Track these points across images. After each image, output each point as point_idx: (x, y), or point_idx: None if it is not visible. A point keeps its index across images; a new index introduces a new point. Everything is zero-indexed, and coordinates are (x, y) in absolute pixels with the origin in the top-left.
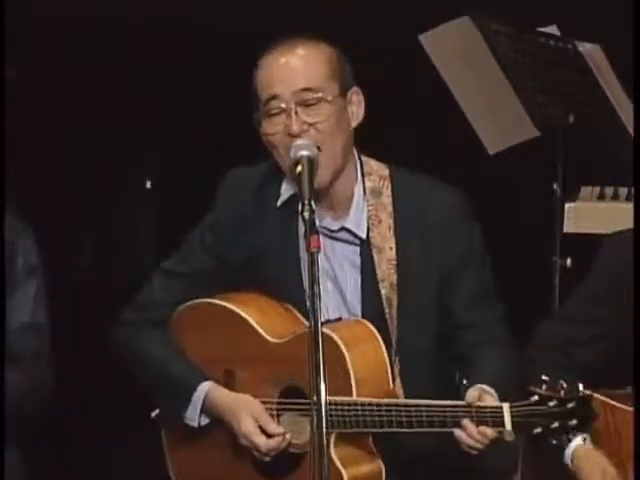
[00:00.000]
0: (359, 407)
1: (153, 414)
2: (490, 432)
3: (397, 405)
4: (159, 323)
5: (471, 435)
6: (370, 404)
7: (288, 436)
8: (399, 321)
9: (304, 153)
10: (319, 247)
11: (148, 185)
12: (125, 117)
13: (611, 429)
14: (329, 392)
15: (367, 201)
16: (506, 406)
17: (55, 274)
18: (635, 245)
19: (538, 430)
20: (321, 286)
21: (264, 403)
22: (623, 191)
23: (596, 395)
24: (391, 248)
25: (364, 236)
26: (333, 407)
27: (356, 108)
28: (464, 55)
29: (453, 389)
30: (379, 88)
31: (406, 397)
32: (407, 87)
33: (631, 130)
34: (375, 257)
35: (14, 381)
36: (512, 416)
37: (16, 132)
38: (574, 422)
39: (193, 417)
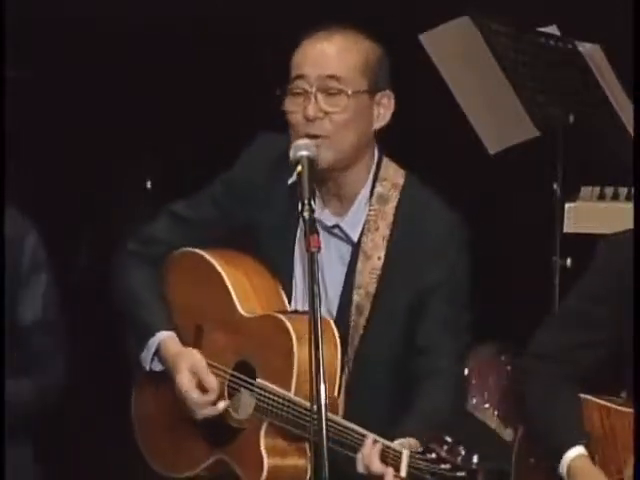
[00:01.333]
0: (290, 404)
1: None
2: (379, 468)
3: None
4: (154, 260)
5: (364, 457)
6: (295, 405)
7: (222, 404)
8: (365, 331)
9: (304, 153)
10: (319, 247)
11: (148, 185)
12: (125, 117)
13: (608, 434)
14: (271, 378)
15: (371, 205)
16: (406, 453)
17: (55, 274)
18: (635, 245)
19: None
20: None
21: (217, 370)
22: (623, 191)
23: (593, 399)
24: (379, 258)
25: (355, 240)
26: (270, 395)
27: (383, 111)
28: (464, 55)
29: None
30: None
31: (347, 410)
32: (407, 87)
33: (631, 130)
34: (359, 263)
35: (28, 382)
36: (409, 465)
37: (16, 132)
38: None
39: (146, 360)
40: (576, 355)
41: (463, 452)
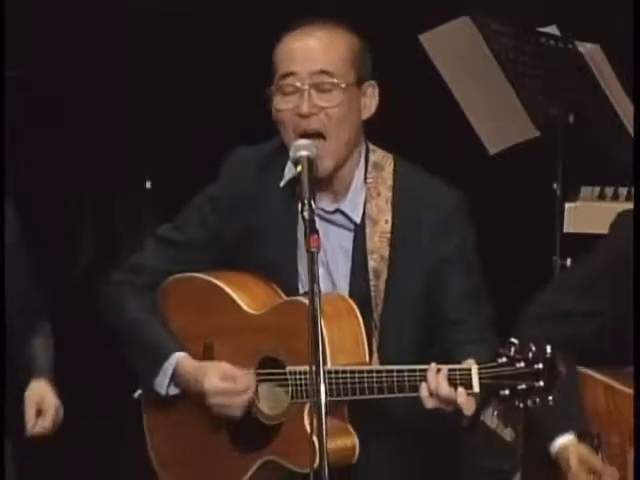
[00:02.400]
0: (332, 375)
1: (136, 394)
2: (448, 392)
3: (369, 371)
4: (145, 288)
5: (430, 385)
6: (343, 371)
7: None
8: (385, 294)
9: (304, 153)
10: (319, 247)
11: (148, 185)
12: (125, 117)
13: (612, 411)
14: (301, 361)
15: (368, 173)
16: (475, 367)
17: (55, 273)
18: (635, 245)
19: (505, 392)
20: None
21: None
22: (623, 191)
23: (597, 376)
24: (387, 221)
25: (358, 220)
26: (305, 378)
27: (369, 101)
28: (464, 55)
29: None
30: (379, 87)
31: None
32: (407, 87)
33: (631, 130)
34: (368, 230)
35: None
36: (480, 378)
37: (15, 132)
38: (540, 384)
39: (162, 385)
40: (574, 322)
41: (534, 347)
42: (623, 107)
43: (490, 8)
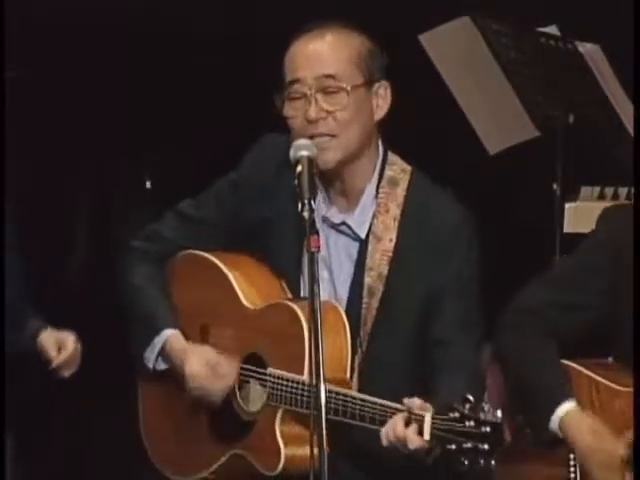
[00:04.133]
0: (305, 387)
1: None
2: (401, 432)
3: (336, 393)
4: (158, 258)
5: (391, 432)
6: (309, 387)
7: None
8: (377, 312)
9: (304, 153)
10: (319, 247)
11: (148, 185)
12: (125, 117)
13: (597, 408)
14: (282, 366)
15: (381, 188)
16: (428, 416)
17: (54, 273)
18: (635, 244)
19: (452, 447)
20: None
21: None
22: (623, 191)
23: (582, 370)
24: (390, 240)
25: (363, 236)
26: (283, 382)
27: (381, 102)
28: (464, 55)
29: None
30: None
31: (361, 389)
32: (407, 87)
33: (631, 130)
34: (370, 246)
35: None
36: (432, 427)
37: (16, 131)
38: (485, 446)
39: (149, 359)
40: (559, 315)
41: (487, 408)
42: (623, 107)
43: (490, 8)
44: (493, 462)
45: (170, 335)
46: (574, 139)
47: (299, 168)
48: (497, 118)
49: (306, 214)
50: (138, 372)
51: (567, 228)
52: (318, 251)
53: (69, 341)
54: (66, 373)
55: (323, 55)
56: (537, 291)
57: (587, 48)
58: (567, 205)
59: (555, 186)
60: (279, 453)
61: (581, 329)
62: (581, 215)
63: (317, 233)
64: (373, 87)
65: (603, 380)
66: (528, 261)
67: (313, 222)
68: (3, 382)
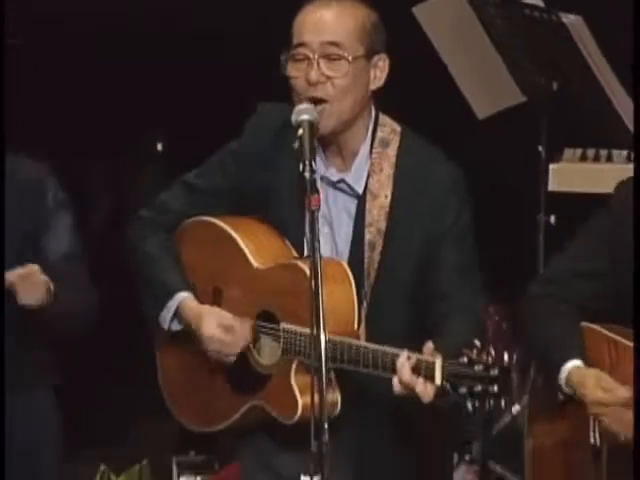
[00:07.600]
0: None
1: None
2: (409, 379)
3: (349, 344)
4: (167, 228)
5: (401, 381)
6: (328, 341)
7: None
8: (379, 265)
9: (305, 117)
10: (319, 205)
11: (159, 147)
12: (135, 79)
13: (614, 366)
14: (294, 320)
15: (374, 148)
16: (439, 361)
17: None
18: (635, 244)
19: (463, 390)
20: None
21: None
22: (603, 153)
23: (601, 330)
24: (386, 196)
25: (360, 192)
26: (296, 336)
27: (379, 73)
28: (455, 26)
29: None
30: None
31: (368, 339)
32: (397, 55)
33: (614, 100)
34: (368, 204)
35: (61, 309)
36: (442, 372)
37: (24, 98)
38: (494, 389)
39: (165, 320)
40: (575, 282)
41: (494, 352)
42: (605, 76)
43: None
44: (503, 403)
45: (184, 297)
46: (558, 104)
47: (300, 131)
48: (485, 84)
49: (307, 174)
50: (154, 332)
51: (551, 187)
52: (318, 209)
53: (29, 266)
54: (25, 299)
55: (330, 23)
56: (559, 262)
57: (570, 19)
58: (551, 166)
59: (540, 148)
60: (296, 402)
61: (603, 296)
62: (564, 175)
63: (318, 192)
64: (373, 59)
65: (620, 339)
66: (514, 219)
67: (314, 182)
68: (3, 382)
